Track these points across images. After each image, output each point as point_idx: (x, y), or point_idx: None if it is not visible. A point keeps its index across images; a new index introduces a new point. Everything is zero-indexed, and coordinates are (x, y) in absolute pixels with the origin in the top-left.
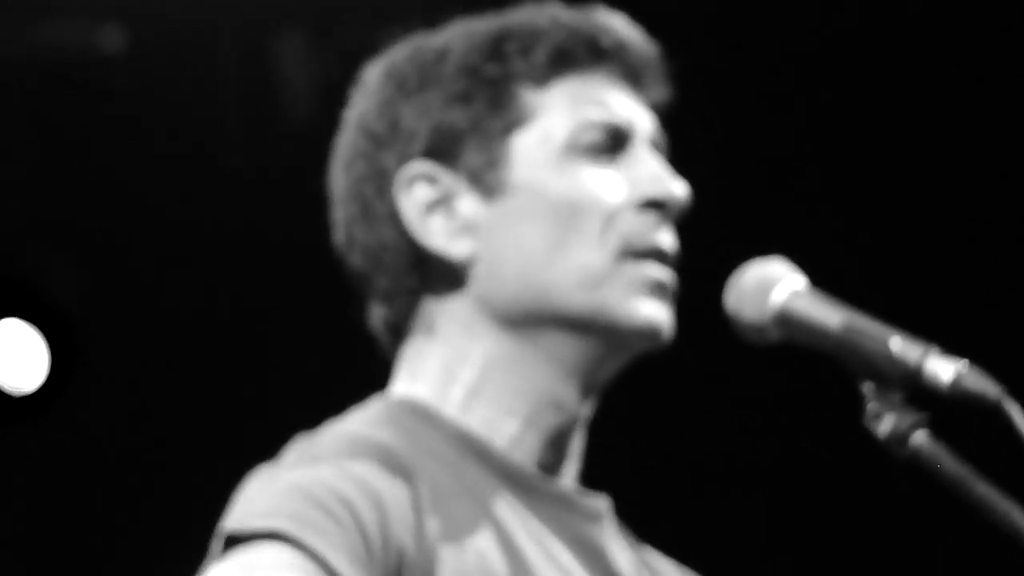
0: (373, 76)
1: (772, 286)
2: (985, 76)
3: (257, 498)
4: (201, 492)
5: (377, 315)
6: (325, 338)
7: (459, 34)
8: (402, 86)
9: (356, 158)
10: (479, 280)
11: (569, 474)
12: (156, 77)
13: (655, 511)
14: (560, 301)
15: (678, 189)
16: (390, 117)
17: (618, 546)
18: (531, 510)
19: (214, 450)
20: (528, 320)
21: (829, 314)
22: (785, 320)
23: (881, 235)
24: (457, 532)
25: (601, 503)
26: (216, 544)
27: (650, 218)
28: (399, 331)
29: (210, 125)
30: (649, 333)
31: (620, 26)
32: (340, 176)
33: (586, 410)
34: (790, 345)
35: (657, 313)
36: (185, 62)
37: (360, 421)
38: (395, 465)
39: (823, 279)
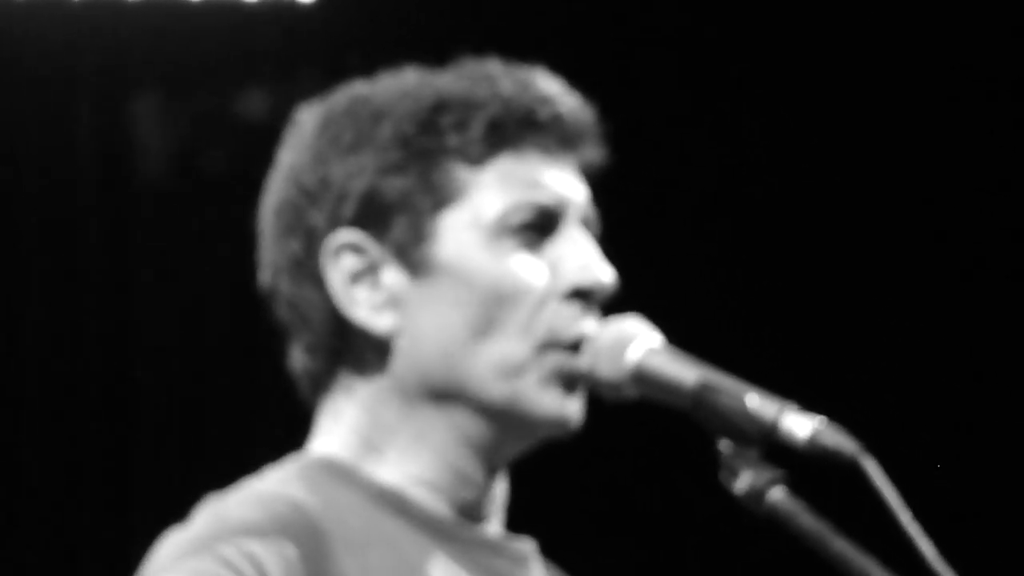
0: (308, 122)
1: (628, 343)
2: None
3: (163, 558)
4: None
5: (298, 361)
6: (185, 412)
7: (397, 93)
8: (336, 141)
9: (285, 206)
10: (399, 354)
11: (493, 523)
12: (10, 138)
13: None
14: (476, 387)
15: (605, 276)
16: (322, 172)
17: None
18: (453, 558)
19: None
20: (441, 398)
21: (685, 371)
22: (641, 377)
23: (744, 289)
24: None
25: (527, 546)
26: None
27: (575, 308)
28: (318, 383)
29: (64, 187)
30: (558, 425)
31: (557, 94)
32: (269, 219)
33: (497, 483)
34: (647, 402)
35: (568, 406)
36: (40, 123)
37: (273, 479)
38: (302, 523)
39: (683, 336)
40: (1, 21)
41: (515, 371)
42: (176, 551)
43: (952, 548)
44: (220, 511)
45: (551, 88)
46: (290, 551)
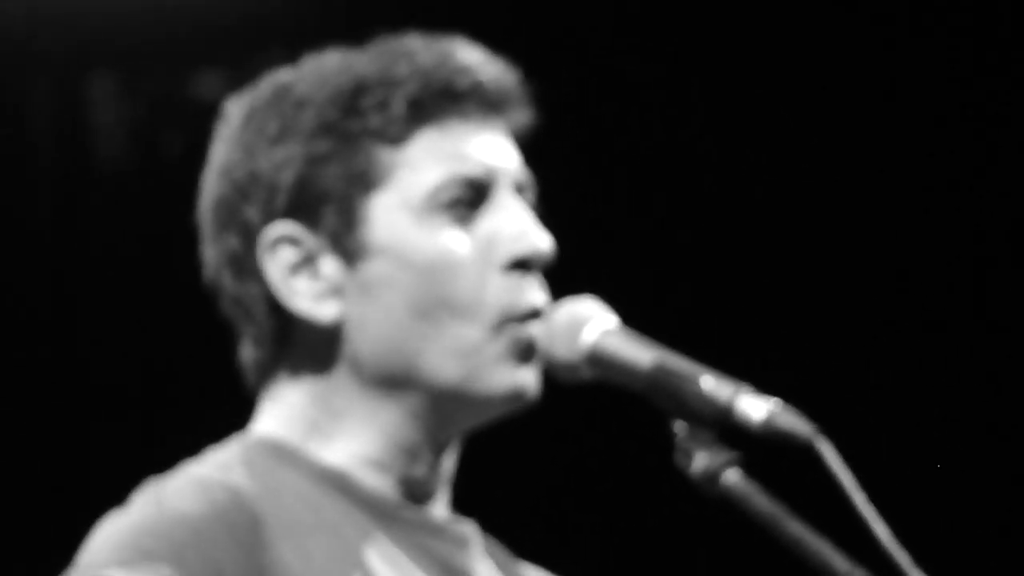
0: (235, 115)
1: (583, 325)
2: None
3: (97, 548)
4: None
5: (245, 353)
6: (141, 390)
7: (317, 79)
8: (262, 132)
9: (220, 203)
10: (346, 342)
11: (438, 504)
12: None
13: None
14: (428, 371)
15: (541, 243)
16: (251, 166)
17: (487, 568)
18: (395, 540)
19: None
20: (392, 383)
21: (640, 353)
22: (596, 359)
23: (699, 273)
24: (313, 567)
25: (468, 528)
26: None
27: (518, 279)
28: (265, 372)
29: (19, 168)
30: (513, 398)
31: (476, 62)
32: (206, 216)
33: (446, 458)
34: (602, 384)
35: (522, 377)
36: None
37: (214, 463)
38: (240, 511)
39: (639, 319)
40: None
41: (471, 352)
42: (117, 545)
43: (909, 531)
44: (159, 499)
45: (471, 57)
46: (225, 553)
